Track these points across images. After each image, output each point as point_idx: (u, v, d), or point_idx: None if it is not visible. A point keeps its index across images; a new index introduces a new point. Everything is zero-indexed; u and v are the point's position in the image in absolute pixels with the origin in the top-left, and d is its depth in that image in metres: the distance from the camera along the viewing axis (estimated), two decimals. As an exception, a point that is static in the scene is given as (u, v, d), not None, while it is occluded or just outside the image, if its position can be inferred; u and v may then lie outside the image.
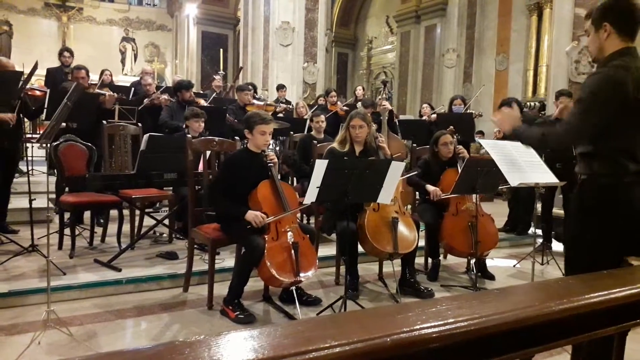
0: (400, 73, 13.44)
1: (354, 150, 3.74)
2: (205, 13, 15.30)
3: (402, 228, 3.55)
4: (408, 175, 4.06)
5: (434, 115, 6.84)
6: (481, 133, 9.34)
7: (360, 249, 3.60)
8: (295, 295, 3.24)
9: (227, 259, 3.91)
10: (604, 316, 1.08)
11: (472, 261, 4.19)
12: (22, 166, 5.28)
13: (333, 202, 3.51)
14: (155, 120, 5.45)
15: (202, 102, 6.19)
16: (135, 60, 16.81)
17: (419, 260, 4.13)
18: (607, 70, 1.96)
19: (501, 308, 0.91)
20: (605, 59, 2.02)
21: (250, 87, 6.93)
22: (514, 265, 4.71)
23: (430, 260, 4.24)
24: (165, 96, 5.67)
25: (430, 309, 0.87)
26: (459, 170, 3.86)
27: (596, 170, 2.03)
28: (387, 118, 5.65)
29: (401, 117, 8.37)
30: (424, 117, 7.78)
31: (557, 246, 5.12)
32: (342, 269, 3.88)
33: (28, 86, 4.25)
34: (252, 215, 3.11)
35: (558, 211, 5.46)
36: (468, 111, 6.59)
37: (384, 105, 5.40)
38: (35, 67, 3.71)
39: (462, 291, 3.92)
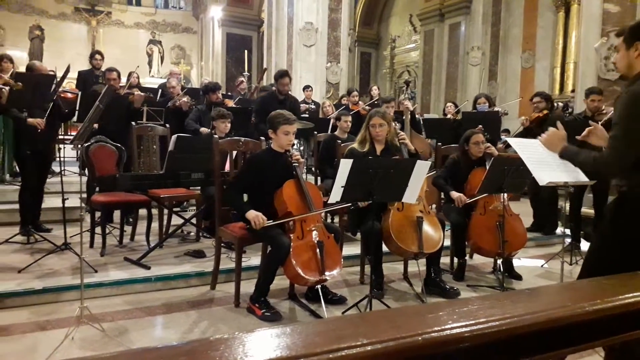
0: (424, 72, 13.33)
1: (374, 150, 3.74)
2: (229, 15, 15.45)
3: (427, 227, 3.54)
4: (432, 174, 4.04)
5: (459, 114, 6.78)
6: (507, 131, 9.21)
7: (384, 248, 3.59)
8: (320, 293, 3.26)
9: (253, 258, 3.96)
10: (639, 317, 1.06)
11: (499, 261, 4.14)
12: (54, 167, 5.43)
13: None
14: (180, 122, 5.54)
15: (230, 103, 6.25)
16: (161, 62, 17.09)
17: (445, 260, 4.11)
18: (636, 88, 2.02)
19: (533, 308, 0.91)
20: (635, 76, 2.08)
21: (273, 88, 6.97)
22: (542, 266, 4.64)
23: (456, 260, 4.21)
24: (185, 99, 5.76)
25: (461, 309, 0.88)
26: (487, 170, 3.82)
27: (638, 183, 2.06)
28: (409, 118, 5.62)
29: (425, 115, 8.31)
30: (448, 116, 7.72)
31: (586, 246, 5.01)
32: (367, 268, 3.89)
33: (60, 89, 4.37)
34: (253, 215, 3.15)
35: (587, 210, 5.35)
36: (494, 109, 6.51)
37: (406, 104, 5.37)
38: (67, 71, 3.82)
39: (488, 291, 3.88)
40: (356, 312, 3.20)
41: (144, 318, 3.11)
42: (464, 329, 0.82)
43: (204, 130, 4.99)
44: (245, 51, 11.93)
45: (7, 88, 3.29)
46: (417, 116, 6.58)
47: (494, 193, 3.87)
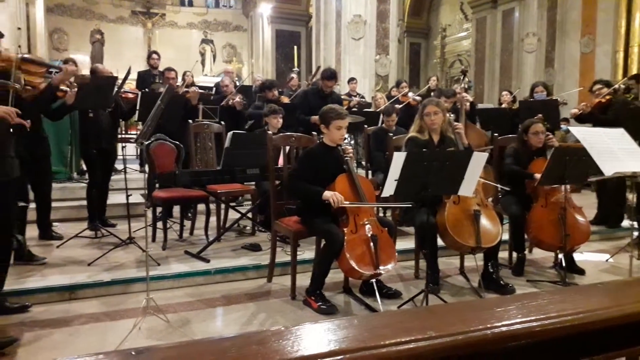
0: (477, 60, 12.97)
1: (432, 139, 3.68)
2: (278, 11, 15.61)
3: (484, 221, 3.46)
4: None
5: (515, 103, 6.56)
6: (566, 120, 8.82)
7: (440, 242, 3.55)
8: (375, 287, 3.26)
9: (307, 251, 4.01)
10: None
11: (560, 255, 3.99)
12: (117, 164, 5.69)
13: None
14: (233, 120, 5.68)
15: (286, 99, 6.33)
16: (214, 61, 17.51)
17: (503, 255, 4.01)
18: None
19: (606, 303, 0.88)
20: None
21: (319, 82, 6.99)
22: (606, 260, 4.43)
23: (515, 254, 4.10)
24: (238, 98, 5.88)
25: (530, 303, 0.86)
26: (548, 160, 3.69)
27: None
28: (467, 110, 5.46)
29: (480, 105, 8.09)
30: (503, 105, 7.49)
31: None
32: (422, 262, 3.85)
33: (122, 91, 4.59)
34: (330, 194, 3.17)
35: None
36: (552, 98, 6.26)
37: (463, 95, 5.23)
38: (128, 72, 3.99)
39: (550, 287, 3.76)
40: (412, 307, 3.19)
41: (205, 309, 3.23)
42: (534, 324, 0.81)
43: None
44: (295, 47, 12.01)
45: (75, 90, 3.47)
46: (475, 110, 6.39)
47: (555, 184, 3.73)
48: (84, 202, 4.82)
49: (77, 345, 2.70)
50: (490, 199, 4.39)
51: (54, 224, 4.57)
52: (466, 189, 3.06)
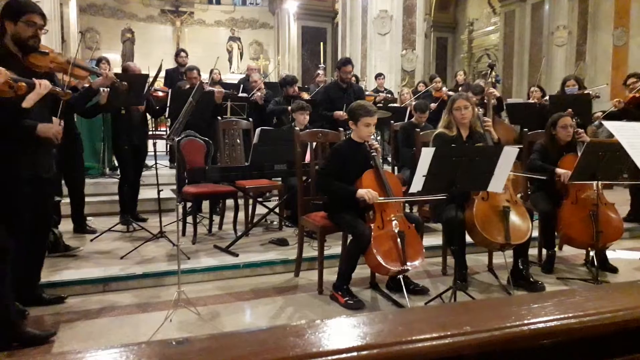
0: (505, 55, 12.76)
1: (461, 135, 3.64)
2: (304, 8, 15.63)
3: (514, 217, 3.41)
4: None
5: (545, 98, 6.43)
6: (603, 112, 8.59)
7: (468, 239, 3.52)
8: (402, 283, 3.25)
9: (334, 246, 4.02)
10: None
11: (592, 253, 3.91)
12: (147, 160, 5.80)
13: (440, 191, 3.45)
14: (260, 116, 5.73)
15: (305, 95, 6.37)
16: (241, 58, 17.66)
17: (532, 252, 3.95)
18: None
19: (646, 301, 0.87)
20: None
21: (335, 77, 6.99)
22: (641, 258, 4.32)
23: (544, 251, 4.03)
24: (259, 93, 5.93)
25: (568, 300, 0.86)
26: (579, 156, 3.61)
27: None
28: (494, 105, 5.39)
29: (509, 100, 7.96)
30: (531, 100, 7.36)
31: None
32: (449, 259, 3.83)
33: (152, 89, 4.68)
34: (364, 191, 3.17)
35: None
36: (584, 92, 6.11)
37: (491, 91, 5.15)
38: (159, 70, 4.07)
39: (581, 284, 3.69)
40: (440, 303, 3.18)
41: (234, 303, 3.28)
42: (572, 320, 0.80)
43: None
44: (322, 43, 12.02)
45: (107, 90, 3.55)
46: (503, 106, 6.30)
47: (586, 181, 3.65)
48: (116, 197, 4.93)
49: (111, 336, 2.77)
50: (519, 195, 4.33)
51: (88, 218, 4.69)
52: (496, 185, 3.03)
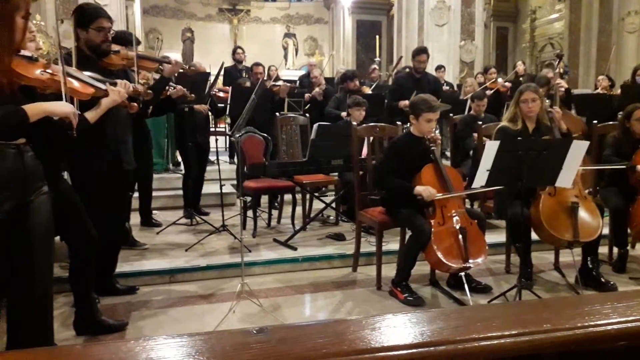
0: (570, 43, 12.14)
1: (526, 128, 3.51)
2: (359, 2, 15.56)
3: (583, 214, 3.26)
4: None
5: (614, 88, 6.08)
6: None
7: (533, 236, 3.40)
8: (464, 280, 3.19)
9: (391, 242, 3.99)
10: None
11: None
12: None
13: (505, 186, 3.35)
14: (319, 111, 5.76)
15: (367, 90, 6.33)
16: (296, 54, 17.82)
17: (603, 250, 3.76)
18: None
19: None
20: None
21: (407, 70, 6.89)
22: None
23: (616, 249, 3.83)
24: (318, 89, 5.96)
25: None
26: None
27: None
28: (562, 96, 5.14)
29: (575, 91, 7.59)
30: (599, 90, 6.99)
31: None
32: (513, 256, 3.72)
33: (215, 89, 4.82)
34: (422, 188, 3.13)
35: None
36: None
37: (558, 82, 4.92)
38: (221, 68, 4.18)
39: (657, 285, 3.48)
40: (503, 302, 3.09)
41: (294, 296, 3.34)
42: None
43: (344, 114, 5.15)
44: (377, 36, 11.91)
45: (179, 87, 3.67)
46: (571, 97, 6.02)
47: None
48: (180, 192, 5.12)
49: (179, 326, 2.89)
50: (587, 191, 4.13)
51: (154, 212, 4.90)
52: (565, 180, 2.91)
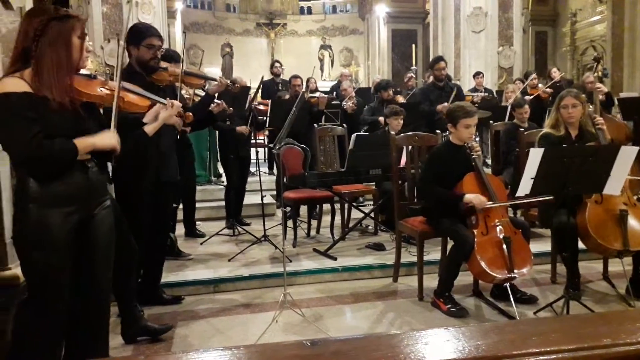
0: (614, 46, 11.73)
1: (569, 135, 3.43)
2: (394, 11, 15.58)
3: (633, 222, 3.15)
4: None
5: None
6: None
7: (580, 245, 3.30)
8: (509, 291, 3.12)
9: (432, 252, 3.95)
10: None
11: None
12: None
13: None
14: (352, 123, 5.79)
15: (401, 99, 6.33)
16: (332, 66, 17.96)
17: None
18: None
19: None
20: None
21: (430, 79, 6.86)
22: None
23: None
24: (351, 103, 5.98)
25: None
26: None
27: None
28: (602, 100, 4.99)
29: (620, 95, 7.35)
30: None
31: None
32: (559, 266, 3.62)
33: (255, 103, 4.92)
34: (472, 196, 3.09)
35: None
36: None
37: (598, 86, 4.78)
38: (261, 82, 4.26)
39: None
40: (550, 314, 3.01)
41: (335, 306, 3.34)
42: None
43: (382, 119, 5.16)
44: (413, 45, 11.87)
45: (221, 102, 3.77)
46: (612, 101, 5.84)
47: None
48: (222, 203, 5.23)
49: (224, 336, 2.93)
50: (636, 197, 3.98)
51: (198, 223, 5.02)
52: (613, 187, 2.83)
